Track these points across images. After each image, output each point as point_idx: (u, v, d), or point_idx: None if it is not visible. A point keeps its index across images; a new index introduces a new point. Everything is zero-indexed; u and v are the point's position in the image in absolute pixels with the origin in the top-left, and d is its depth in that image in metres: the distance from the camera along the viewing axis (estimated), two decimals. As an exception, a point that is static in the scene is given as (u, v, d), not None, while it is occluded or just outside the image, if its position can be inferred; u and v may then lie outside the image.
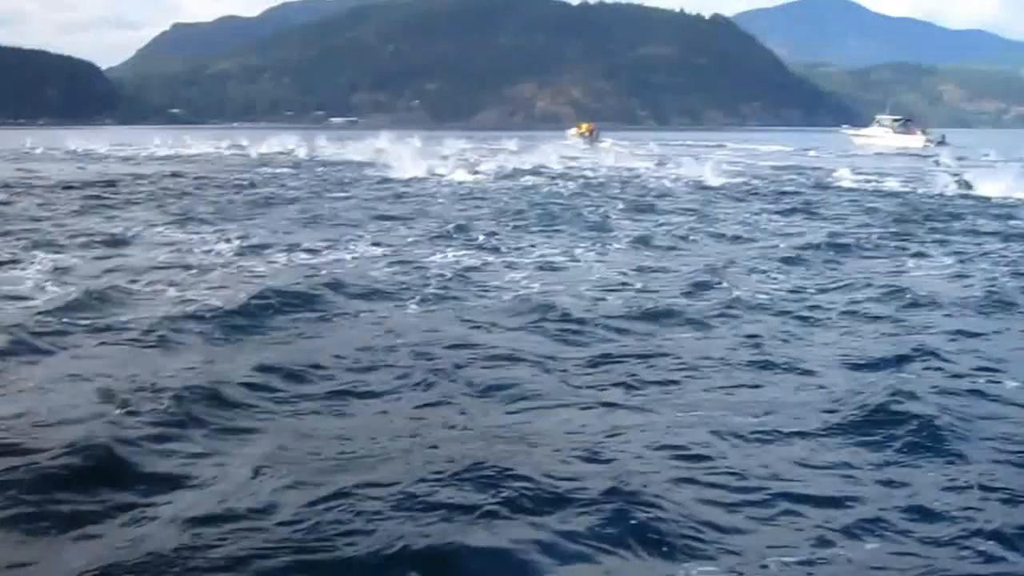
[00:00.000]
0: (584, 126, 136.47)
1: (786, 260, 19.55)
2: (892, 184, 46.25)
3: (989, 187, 40.07)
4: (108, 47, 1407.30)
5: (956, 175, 46.64)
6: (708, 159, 56.90)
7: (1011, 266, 19.29)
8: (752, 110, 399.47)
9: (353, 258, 19.21)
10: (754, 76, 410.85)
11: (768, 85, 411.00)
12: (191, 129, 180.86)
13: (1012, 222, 28.42)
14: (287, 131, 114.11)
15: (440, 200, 34.07)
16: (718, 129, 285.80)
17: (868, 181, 48.18)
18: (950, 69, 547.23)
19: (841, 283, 16.81)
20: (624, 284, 16.41)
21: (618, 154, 73.41)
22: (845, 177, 49.27)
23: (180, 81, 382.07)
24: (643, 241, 22.57)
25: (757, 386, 10.12)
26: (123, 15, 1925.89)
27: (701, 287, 15.94)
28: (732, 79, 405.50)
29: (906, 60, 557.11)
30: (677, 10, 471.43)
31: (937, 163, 65.34)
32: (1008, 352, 11.74)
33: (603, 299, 14.93)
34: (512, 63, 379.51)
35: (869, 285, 16.39)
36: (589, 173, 52.84)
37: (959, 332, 12.77)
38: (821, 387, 10.04)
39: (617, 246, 21.89)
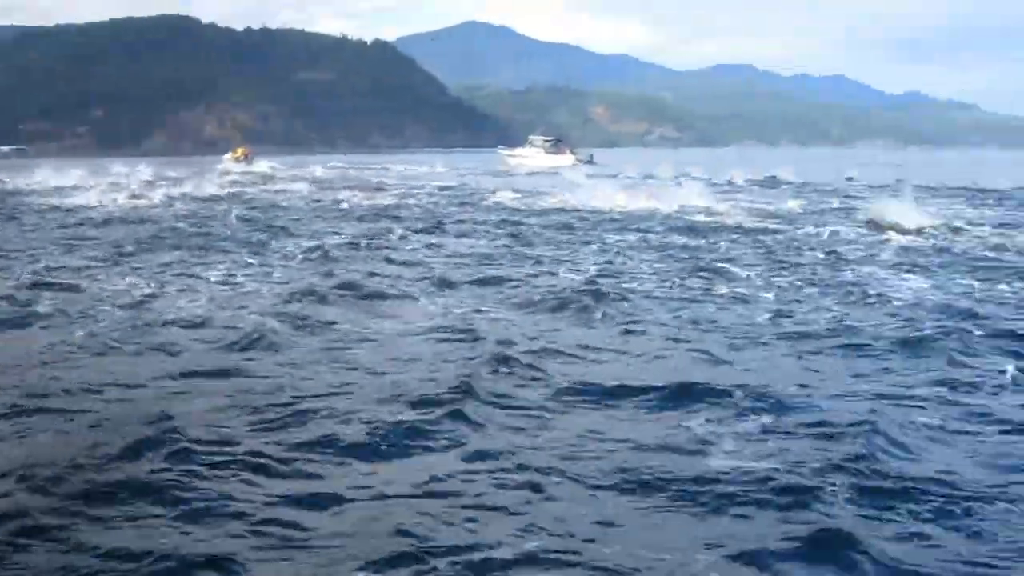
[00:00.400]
0: (240, 150, 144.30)
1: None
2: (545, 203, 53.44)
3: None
4: None
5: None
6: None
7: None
8: (415, 132, 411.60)
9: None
10: (416, 99, 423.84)
11: (431, 108, 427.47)
12: None
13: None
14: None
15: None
16: (384, 152, 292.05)
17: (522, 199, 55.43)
18: (598, 92, 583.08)
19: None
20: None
21: (279, 178, 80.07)
22: (505, 198, 56.37)
23: None
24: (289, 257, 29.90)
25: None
26: None
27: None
28: (395, 103, 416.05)
29: (558, 83, 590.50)
30: (339, 35, 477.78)
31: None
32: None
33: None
34: (177, 89, 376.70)
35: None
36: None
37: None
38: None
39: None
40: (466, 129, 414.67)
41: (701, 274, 24.85)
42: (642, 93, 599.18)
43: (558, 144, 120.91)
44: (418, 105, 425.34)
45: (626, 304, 19.73)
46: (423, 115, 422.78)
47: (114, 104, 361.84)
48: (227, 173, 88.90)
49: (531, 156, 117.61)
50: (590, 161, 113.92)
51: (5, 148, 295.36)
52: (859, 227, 37.03)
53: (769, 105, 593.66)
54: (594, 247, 31.07)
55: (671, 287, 23.17)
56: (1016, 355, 15.57)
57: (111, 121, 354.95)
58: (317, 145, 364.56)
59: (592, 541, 8.50)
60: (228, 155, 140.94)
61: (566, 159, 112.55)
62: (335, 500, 9.35)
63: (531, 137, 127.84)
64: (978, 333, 17.04)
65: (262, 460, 10.27)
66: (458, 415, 11.83)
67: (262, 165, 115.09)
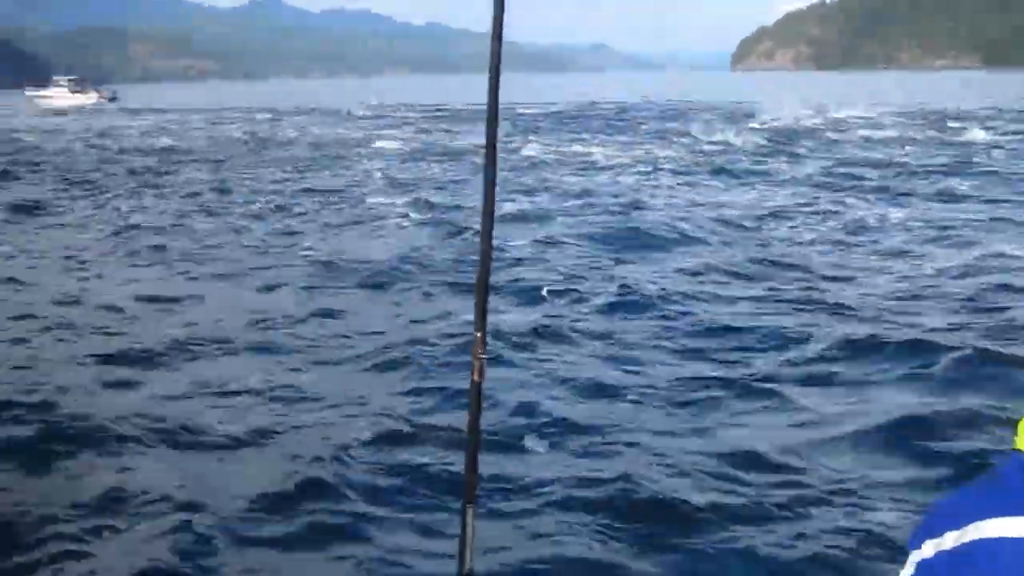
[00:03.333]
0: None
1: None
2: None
3: None
4: None
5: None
6: None
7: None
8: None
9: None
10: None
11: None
12: None
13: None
14: None
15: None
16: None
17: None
18: (142, 30, 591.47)
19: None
20: None
21: None
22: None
23: None
24: None
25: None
26: None
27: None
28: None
29: (107, 24, 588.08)
30: None
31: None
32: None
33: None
34: None
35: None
36: None
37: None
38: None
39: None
40: (12, 72, 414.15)
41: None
42: (184, 30, 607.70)
43: (83, 83, 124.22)
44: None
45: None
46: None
47: None
48: None
49: (57, 96, 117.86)
50: (114, 98, 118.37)
51: None
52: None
53: (302, 41, 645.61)
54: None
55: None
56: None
57: None
58: None
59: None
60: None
61: (89, 98, 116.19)
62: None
63: (55, 77, 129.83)
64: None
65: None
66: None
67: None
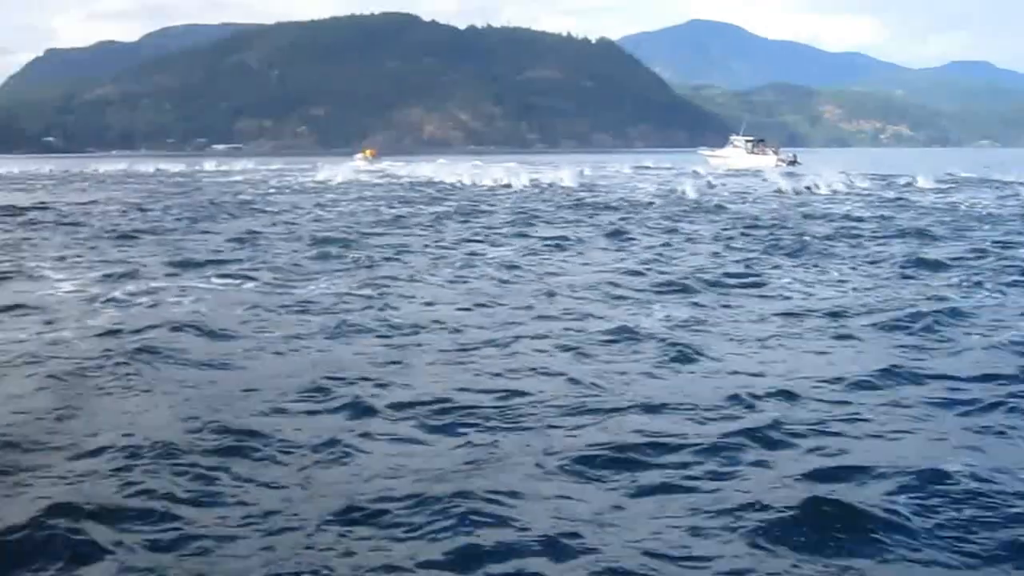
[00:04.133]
0: (368, 151, 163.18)
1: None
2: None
3: None
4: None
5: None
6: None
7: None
8: (639, 132, 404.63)
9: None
10: (640, 99, 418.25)
11: (654, 107, 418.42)
12: (65, 158, 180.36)
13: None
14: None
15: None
16: (607, 151, 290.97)
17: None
18: (829, 90, 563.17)
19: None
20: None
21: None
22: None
23: (55, 108, 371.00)
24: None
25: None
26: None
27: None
28: (619, 102, 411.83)
29: (787, 82, 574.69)
30: (564, 34, 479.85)
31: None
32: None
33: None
34: (400, 88, 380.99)
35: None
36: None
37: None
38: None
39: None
40: (690, 129, 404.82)
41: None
42: (873, 91, 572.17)
43: (760, 144, 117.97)
44: (641, 104, 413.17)
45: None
46: (647, 114, 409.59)
47: (333, 102, 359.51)
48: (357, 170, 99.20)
49: (731, 156, 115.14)
50: (793, 162, 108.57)
51: (221, 146, 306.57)
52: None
53: (1007, 104, 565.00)
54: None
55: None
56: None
57: (331, 120, 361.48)
58: (539, 145, 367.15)
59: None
60: (359, 155, 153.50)
61: (768, 160, 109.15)
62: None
63: (732, 137, 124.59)
64: None
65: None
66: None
67: (384, 163, 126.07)
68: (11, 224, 34.13)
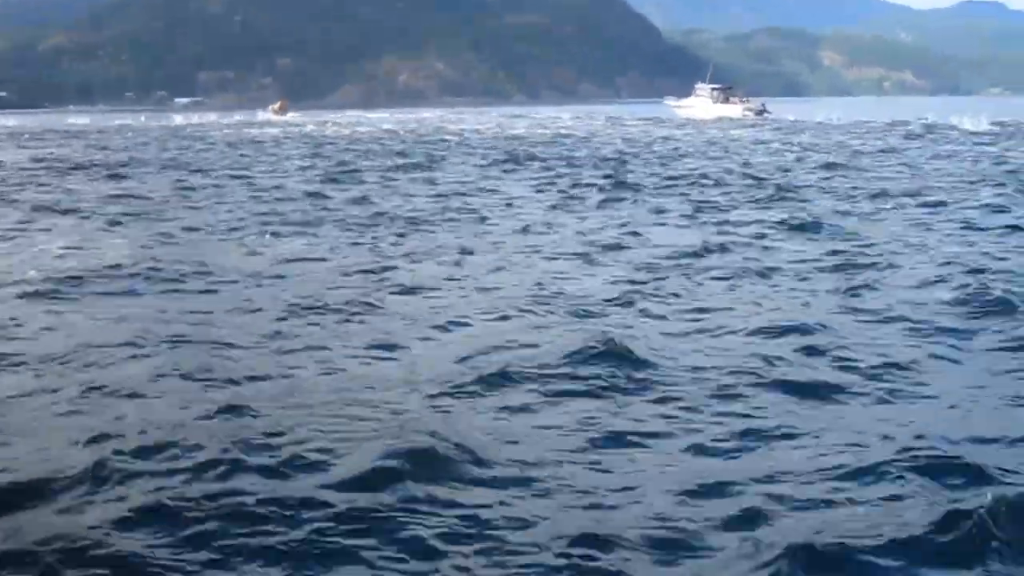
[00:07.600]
0: (280, 103, 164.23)
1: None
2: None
3: None
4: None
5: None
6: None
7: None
8: (627, 81, 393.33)
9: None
10: (628, 45, 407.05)
11: (644, 55, 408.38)
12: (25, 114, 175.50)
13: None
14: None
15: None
16: (592, 101, 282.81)
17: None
18: (829, 35, 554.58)
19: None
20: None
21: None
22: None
23: (6, 61, 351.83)
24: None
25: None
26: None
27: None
28: (605, 49, 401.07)
29: (784, 26, 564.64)
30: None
31: None
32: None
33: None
34: (372, 37, 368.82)
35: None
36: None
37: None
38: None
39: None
40: (680, 77, 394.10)
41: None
42: (879, 34, 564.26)
43: (727, 92, 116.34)
44: (631, 52, 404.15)
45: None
46: (635, 63, 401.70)
47: (301, 52, 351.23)
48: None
49: (696, 106, 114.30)
50: (761, 112, 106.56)
51: (183, 100, 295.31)
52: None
53: (1021, 50, 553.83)
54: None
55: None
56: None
57: (298, 70, 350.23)
58: (519, 96, 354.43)
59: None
60: (271, 107, 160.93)
61: (734, 109, 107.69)
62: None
63: (697, 85, 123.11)
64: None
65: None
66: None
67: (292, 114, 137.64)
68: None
